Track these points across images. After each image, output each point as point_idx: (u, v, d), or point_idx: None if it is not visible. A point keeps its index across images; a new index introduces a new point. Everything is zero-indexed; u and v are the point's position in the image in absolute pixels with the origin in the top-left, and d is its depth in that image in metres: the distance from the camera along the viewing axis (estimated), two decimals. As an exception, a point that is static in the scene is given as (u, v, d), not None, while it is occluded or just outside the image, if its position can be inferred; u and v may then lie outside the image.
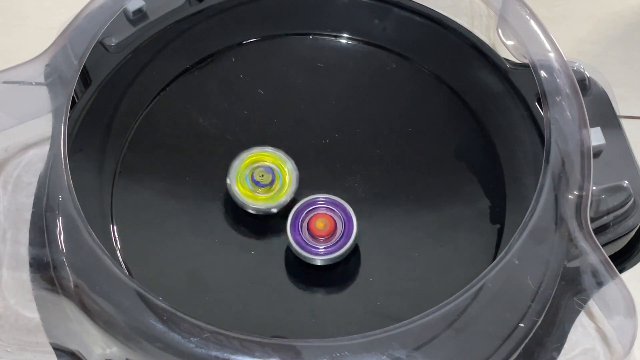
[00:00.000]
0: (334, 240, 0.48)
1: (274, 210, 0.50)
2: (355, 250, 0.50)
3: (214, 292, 0.49)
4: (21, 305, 0.50)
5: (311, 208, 0.49)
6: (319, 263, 0.48)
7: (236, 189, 0.50)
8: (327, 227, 0.48)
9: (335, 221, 0.49)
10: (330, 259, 0.48)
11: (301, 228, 0.49)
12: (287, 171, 0.51)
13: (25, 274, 0.49)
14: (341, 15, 0.60)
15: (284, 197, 0.50)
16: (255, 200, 0.50)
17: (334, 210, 0.49)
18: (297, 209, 0.49)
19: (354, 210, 0.49)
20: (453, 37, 0.58)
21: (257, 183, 0.51)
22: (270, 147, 0.52)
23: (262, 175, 0.51)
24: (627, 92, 0.68)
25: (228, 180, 0.51)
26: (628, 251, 0.53)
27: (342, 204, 0.49)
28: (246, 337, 0.43)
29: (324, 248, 0.48)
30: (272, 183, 0.51)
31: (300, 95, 0.57)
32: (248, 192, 0.50)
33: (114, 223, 0.51)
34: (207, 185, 0.53)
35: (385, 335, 0.43)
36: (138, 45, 0.58)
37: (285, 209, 0.50)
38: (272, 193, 0.51)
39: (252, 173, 0.51)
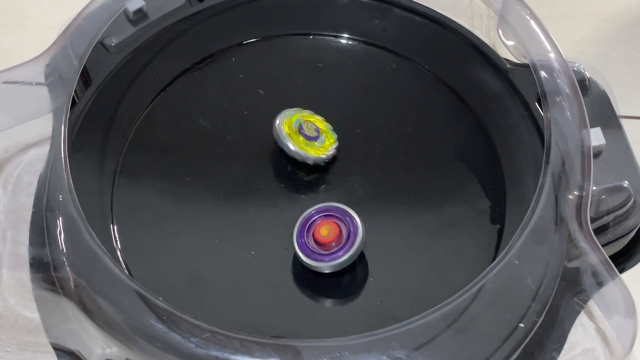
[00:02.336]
0: (339, 247, 0.48)
1: (322, 163, 0.52)
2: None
3: (214, 292, 0.49)
4: (21, 305, 0.50)
5: (317, 217, 0.49)
6: (326, 271, 0.48)
7: (289, 140, 0.52)
8: (331, 234, 0.48)
9: (340, 228, 0.49)
10: (336, 265, 0.48)
11: (307, 237, 0.49)
12: (328, 129, 0.53)
13: (25, 274, 0.49)
14: (341, 15, 0.60)
15: (331, 148, 0.53)
16: (307, 152, 0.52)
17: (339, 217, 0.49)
18: (303, 218, 0.49)
19: (353, 210, 0.49)
20: (453, 37, 0.58)
21: (306, 136, 0.52)
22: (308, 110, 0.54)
23: (311, 129, 0.53)
24: (627, 92, 0.68)
25: (276, 132, 0.52)
26: (628, 251, 0.53)
27: (347, 211, 0.49)
28: (246, 337, 0.43)
29: (329, 255, 0.48)
30: (317, 137, 0.53)
31: (300, 95, 0.57)
32: (301, 144, 0.52)
33: (114, 223, 0.51)
34: (207, 186, 0.53)
35: (385, 335, 0.43)
36: (138, 45, 0.58)
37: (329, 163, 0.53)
38: (318, 146, 0.53)
39: (300, 126, 0.52)
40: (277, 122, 0.52)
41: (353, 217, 0.49)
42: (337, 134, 0.54)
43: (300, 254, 0.48)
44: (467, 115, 0.56)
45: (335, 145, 0.53)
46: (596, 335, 0.48)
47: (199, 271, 0.49)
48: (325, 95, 0.57)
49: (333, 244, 0.48)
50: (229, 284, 0.49)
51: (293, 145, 0.52)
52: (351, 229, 0.48)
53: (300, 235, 0.49)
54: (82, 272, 0.45)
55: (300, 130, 0.52)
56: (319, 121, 0.54)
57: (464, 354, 0.44)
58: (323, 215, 0.49)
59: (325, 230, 0.48)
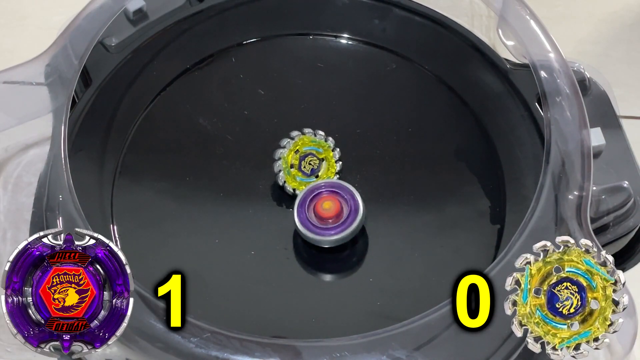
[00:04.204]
0: (340, 221, 0.48)
1: None
2: (355, 250, 0.50)
3: (214, 292, 0.49)
4: (21, 305, 0.50)
5: (318, 192, 0.49)
6: (326, 245, 0.48)
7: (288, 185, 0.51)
8: (333, 208, 0.48)
9: (341, 203, 0.49)
10: (337, 240, 0.48)
11: (308, 211, 0.49)
12: (330, 154, 0.52)
13: (25, 274, 0.49)
14: (341, 15, 0.60)
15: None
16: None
17: (340, 193, 0.49)
18: (304, 193, 0.49)
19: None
20: (453, 37, 0.58)
21: (305, 173, 0.52)
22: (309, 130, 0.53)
23: (310, 163, 0.52)
24: (627, 92, 0.68)
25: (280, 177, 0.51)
26: (628, 251, 0.53)
27: (347, 187, 0.49)
28: (246, 337, 0.43)
29: (331, 229, 0.48)
30: (318, 169, 0.52)
31: (300, 95, 0.57)
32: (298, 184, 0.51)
33: (114, 223, 0.51)
34: (207, 186, 0.53)
35: (385, 335, 0.43)
36: (138, 45, 0.58)
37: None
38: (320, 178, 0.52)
39: (300, 163, 0.52)
40: (277, 164, 0.52)
41: (354, 193, 0.49)
42: (338, 148, 0.52)
43: (300, 227, 0.48)
44: (467, 115, 0.56)
45: (335, 176, 0.52)
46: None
47: (199, 271, 0.49)
48: (325, 95, 0.57)
49: (335, 218, 0.48)
50: (229, 284, 0.49)
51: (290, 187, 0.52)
52: (352, 205, 0.49)
53: (301, 208, 0.49)
54: (82, 272, 0.45)
55: (300, 168, 0.52)
56: (321, 146, 0.52)
57: (464, 354, 0.44)
58: (325, 191, 0.49)
59: (327, 205, 0.48)
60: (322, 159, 0.52)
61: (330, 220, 0.48)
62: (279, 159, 0.52)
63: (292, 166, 0.52)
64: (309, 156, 0.52)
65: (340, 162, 0.52)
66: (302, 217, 0.49)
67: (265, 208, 0.52)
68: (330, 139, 0.53)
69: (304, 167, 0.52)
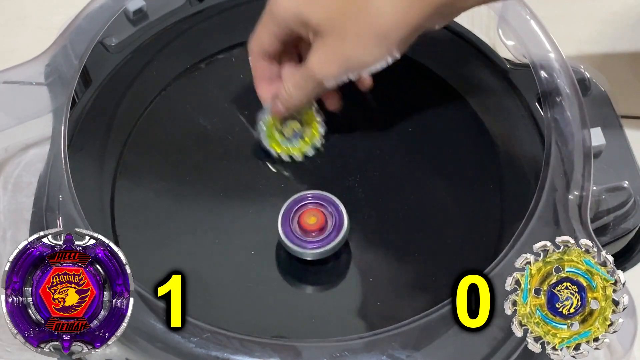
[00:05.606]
0: (324, 235, 0.48)
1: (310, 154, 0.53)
2: (355, 251, 0.50)
3: (214, 292, 0.49)
4: (21, 305, 0.50)
5: (302, 204, 0.49)
6: (309, 258, 0.48)
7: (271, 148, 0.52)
8: (317, 222, 0.48)
9: (325, 216, 0.49)
10: (319, 254, 0.48)
11: (292, 222, 0.49)
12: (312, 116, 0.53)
13: (25, 274, 0.49)
14: (341, 15, 0.60)
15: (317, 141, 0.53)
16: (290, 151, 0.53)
17: (324, 205, 0.49)
18: (288, 204, 0.49)
19: (352, 210, 0.49)
20: (453, 37, 0.58)
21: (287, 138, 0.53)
22: None
23: (292, 127, 0.53)
24: (628, 92, 0.68)
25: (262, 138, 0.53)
26: (628, 251, 0.53)
27: (333, 200, 0.49)
28: (246, 337, 0.43)
29: (314, 242, 0.48)
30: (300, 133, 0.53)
31: (300, 95, 0.57)
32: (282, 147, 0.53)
33: (114, 223, 0.51)
34: (207, 186, 0.53)
35: (385, 335, 0.43)
36: (138, 45, 0.58)
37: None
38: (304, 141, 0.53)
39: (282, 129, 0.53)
40: (260, 123, 0.53)
41: (338, 205, 0.49)
42: (326, 126, 0.53)
43: (285, 240, 0.48)
44: (467, 115, 0.56)
45: (318, 139, 0.53)
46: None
47: (199, 271, 0.49)
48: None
49: (319, 231, 0.48)
50: (229, 284, 0.49)
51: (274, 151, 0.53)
52: (337, 217, 0.49)
53: (285, 221, 0.49)
54: (82, 272, 0.45)
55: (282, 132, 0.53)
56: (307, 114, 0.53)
57: (464, 354, 0.44)
58: (309, 203, 0.49)
59: (313, 219, 0.48)
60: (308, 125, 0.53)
61: (313, 233, 0.48)
62: (260, 121, 0.53)
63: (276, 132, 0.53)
64: (290, 120, 0.53)
65: (325, 126, 0.53)
66: (286, 228, 0.49)
67: (266, 208, 0.52)
68: (314, 102, 0.53)
69: (286, 131, 0.52)
